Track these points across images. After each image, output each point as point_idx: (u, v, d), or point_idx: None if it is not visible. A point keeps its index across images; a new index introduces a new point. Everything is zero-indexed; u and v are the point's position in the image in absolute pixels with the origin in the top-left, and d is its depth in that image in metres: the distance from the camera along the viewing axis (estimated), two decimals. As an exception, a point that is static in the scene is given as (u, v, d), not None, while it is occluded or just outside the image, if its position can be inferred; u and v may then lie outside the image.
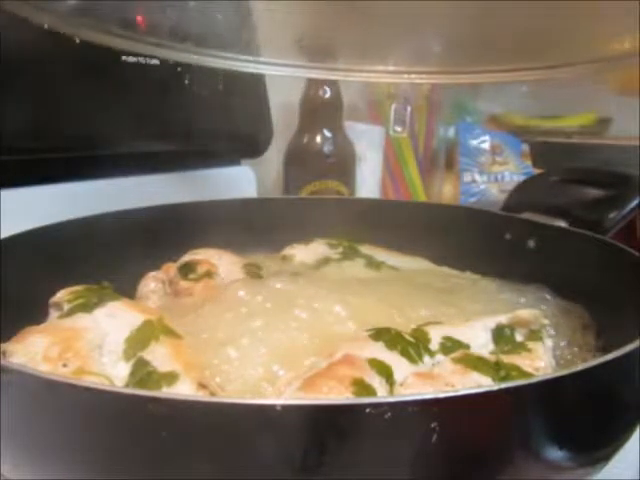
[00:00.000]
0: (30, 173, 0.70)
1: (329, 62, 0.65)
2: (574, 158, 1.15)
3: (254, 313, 0.48)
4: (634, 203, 0.61)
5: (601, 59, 0.57)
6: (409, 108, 1.12)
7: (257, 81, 0.94)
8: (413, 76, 0.65)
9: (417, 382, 0.37)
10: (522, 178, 1.07)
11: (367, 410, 0.26)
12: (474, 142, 1.12)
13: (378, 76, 0.66)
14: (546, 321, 0.46)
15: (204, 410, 0.27)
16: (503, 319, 0.46)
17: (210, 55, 0.62)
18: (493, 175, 1.11)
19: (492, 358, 0.40)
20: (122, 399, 0.27)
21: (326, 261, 0.67)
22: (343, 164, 1.00)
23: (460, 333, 0.44)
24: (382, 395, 0.35)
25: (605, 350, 0.48)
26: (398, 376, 0.38)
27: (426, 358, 0.41)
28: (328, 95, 0.96)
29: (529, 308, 0.47)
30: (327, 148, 0.97)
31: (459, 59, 0.63)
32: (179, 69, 0.81)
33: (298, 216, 0.76)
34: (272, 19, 0.60)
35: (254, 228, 0.72)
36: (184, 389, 0.37)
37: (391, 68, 0.64)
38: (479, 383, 0.37)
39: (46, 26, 0.55)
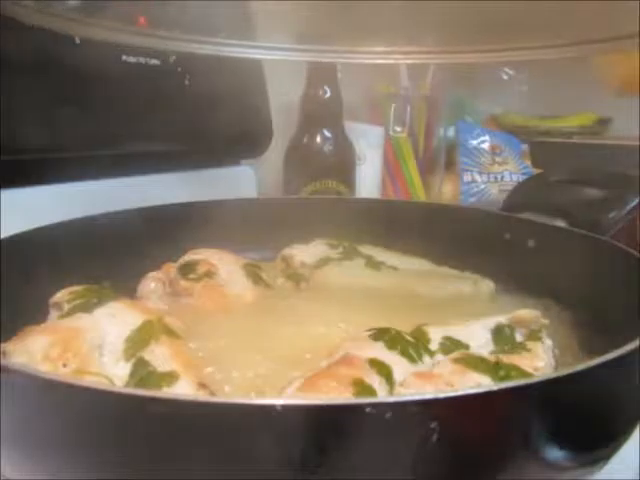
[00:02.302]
0: (30, 173, 0.70)
1: (327, 45, 0.65)
2: (574, 158, 1.15)
3: (253, 320, 0.49)
4: (634, 203, 0.61)
5: (600, 40, 0.57)
6: (409, 108, 1.12)
7: (257, 81, 0.94)
8: (412, 56, 0.65)
9: (417, 382, 0.37)
10: (522, 178, 1.07)
11: (367, 410, 0.26)
12: (474, 142, 1.12)
13: (376, 57, 0.65)
14: (546, 321, 0.47)
15: (204, 410, 0.27)
16: (503, 319, 0.46)
17: (209, 43, 0.62)
18: (493, 175, 1.11)
19: (492, 358, 0.40)
20: (122, 399, 0.27)
21: (326, 261, 0.67)
22: (343, 164, 1.00)
23: (460, 333, 0.44)
24: (382, 395, 0.35)
25: (605, 350, 0.48)
26: (398, 376, 0.38)
27: (426, 358, 0.41)
28: (328, 95, 0.96)
29: (529, 308, 0.47)
30: (327, 148, 0.97)
31: (457, 39, 0.62)
32: (179, 69, 0.81)
33: (298, 216, 0.76)
34: (269, 4, 0.60)
35: (254, 228, 0.72)
36: (184, 389, 0.37)
37: (389, 49, 0.64)
38: (479, 383, 0.37)
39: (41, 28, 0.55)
